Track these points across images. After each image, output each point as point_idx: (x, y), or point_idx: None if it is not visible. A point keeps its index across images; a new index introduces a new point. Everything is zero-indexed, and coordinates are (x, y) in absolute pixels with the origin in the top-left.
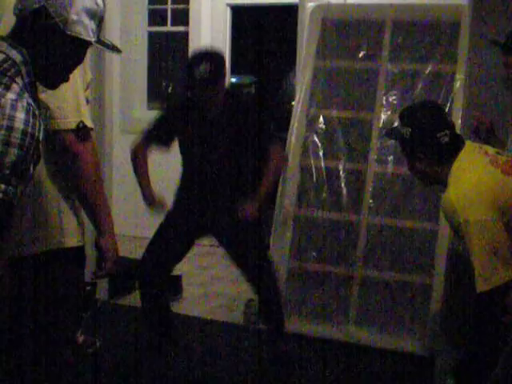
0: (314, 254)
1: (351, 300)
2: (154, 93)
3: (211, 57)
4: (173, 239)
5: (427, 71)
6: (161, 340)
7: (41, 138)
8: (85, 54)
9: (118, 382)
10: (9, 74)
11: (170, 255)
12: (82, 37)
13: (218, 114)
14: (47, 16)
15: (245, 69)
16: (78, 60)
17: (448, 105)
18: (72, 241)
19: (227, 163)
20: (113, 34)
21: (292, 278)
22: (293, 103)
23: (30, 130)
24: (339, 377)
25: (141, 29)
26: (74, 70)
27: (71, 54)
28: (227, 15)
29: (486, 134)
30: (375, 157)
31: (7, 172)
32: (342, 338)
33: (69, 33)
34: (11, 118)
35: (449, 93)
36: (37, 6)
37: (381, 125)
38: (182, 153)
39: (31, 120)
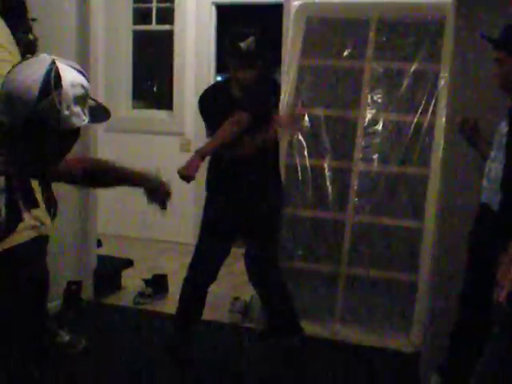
0: (299, 252)
1: (337, 298)
2: (139, 92)
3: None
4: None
5: (412, 70)
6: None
7: None
8: (78, 135)
9: (105, 380)
10: None
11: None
12: (76, 126)
13: None
14: (40, 122)
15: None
16: (74, 142)
17: (432, 103)
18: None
19: None
20: (97, 33)
21: None
22: None
23: None
24: (325, 374)
25: (125, 27)
26: (69, 151)
27: (67, 142)
28: (212, 13)
29: (471, 133)
30: (360, 155)
31: None
32: (327, 335)
33: (63, 128)
34: None
35: (433, 91)
36: (27, 115)
37: (366, 123)
38: None
39: None
